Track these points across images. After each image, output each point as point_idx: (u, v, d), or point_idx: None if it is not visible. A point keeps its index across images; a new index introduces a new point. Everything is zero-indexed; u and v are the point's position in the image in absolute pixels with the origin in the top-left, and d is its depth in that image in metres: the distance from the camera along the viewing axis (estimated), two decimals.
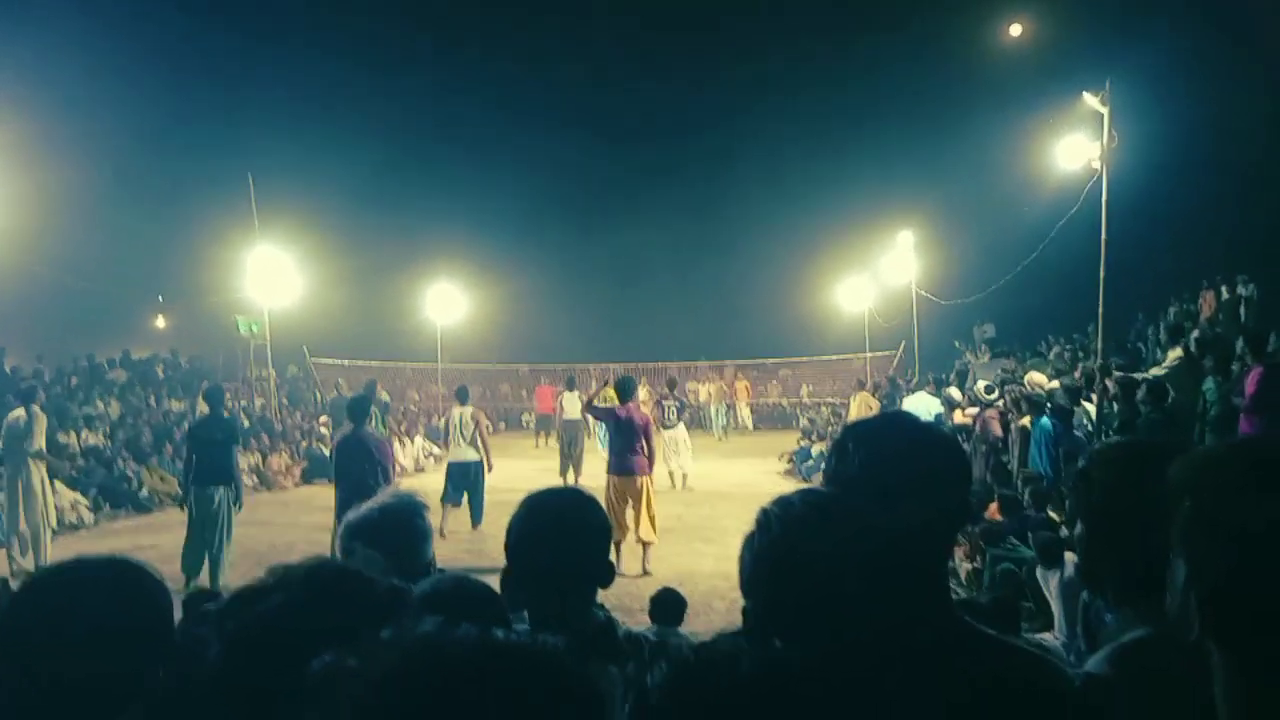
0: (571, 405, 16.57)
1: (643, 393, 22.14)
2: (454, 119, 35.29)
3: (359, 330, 28.19)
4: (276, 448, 17.80)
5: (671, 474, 14.93)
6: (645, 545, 9.19)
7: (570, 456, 15.97)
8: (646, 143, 36.17)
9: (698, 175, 35.32)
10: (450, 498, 11.31)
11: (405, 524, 2.31)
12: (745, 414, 29.05)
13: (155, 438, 16.20)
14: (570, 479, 14.87)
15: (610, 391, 13.16)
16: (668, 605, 5.28)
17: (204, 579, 8.62)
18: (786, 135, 32.70)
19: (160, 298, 25.81)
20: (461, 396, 12.15)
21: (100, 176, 24.69)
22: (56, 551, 9.46)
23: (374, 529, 2.26)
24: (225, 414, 9.89)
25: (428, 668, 0.61)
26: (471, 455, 11.54)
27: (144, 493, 14.14)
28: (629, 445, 9.24)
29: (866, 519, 1.25)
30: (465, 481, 11.49)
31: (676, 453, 15.11)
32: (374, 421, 13.59)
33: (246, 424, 18.68)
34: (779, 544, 1.25)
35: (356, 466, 7.96)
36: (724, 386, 28.66)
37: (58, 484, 12.64)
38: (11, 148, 15.72)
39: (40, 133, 19.60)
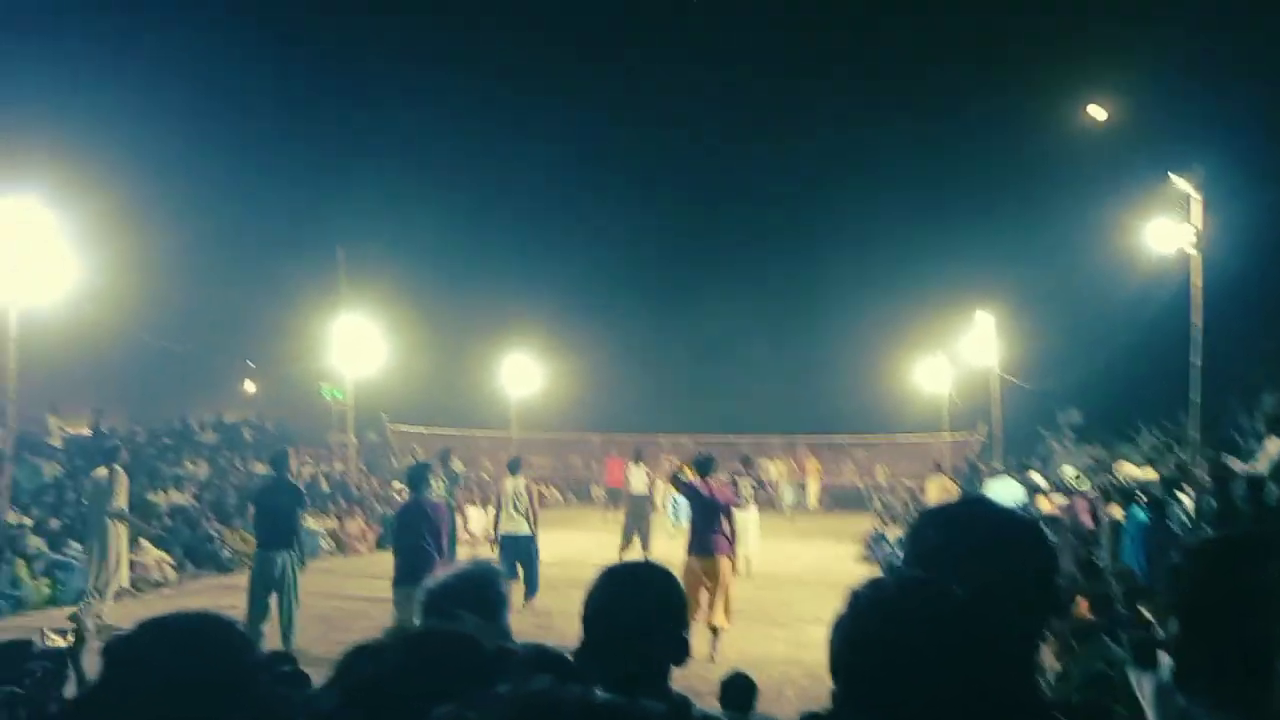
0: (638, 478, 16.37)
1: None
2: (535, 192, 36.35)
3: (436, 398, 28.72)
4: (353, 513, 18.09)
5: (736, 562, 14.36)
6: (715, 631, 8.81)
7: (636, 531, 15.76)
8: (728, 217, 36.73)
9: (778, 250, 35.56)
10: (505, 572, 11.17)
11: (485, 590, 2.34)
12: (814, 493, 28.17)
13: (239, 500, 16.63)
14: (631, 555, 14.67)
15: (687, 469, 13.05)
16: (739, 690, 5.14)
17: (274, 640, 8.71)
18: (868, 212, 32.81)
19: (251, 363, 26.74)
20: (513, 468, 12.01)
21: (198, 247, 25.96)
22: (141, 609, 9.64)
23: (455, 595, 2.29)
24: (290, 477, 9.93)
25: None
26: (524, 528, 11.44)
27: (226, 553, 14.46)
28: (710, 524, 8.88)
29: (959, 604, 1.22)
30: (518, 554, 11.33)
31: (745, 535, 14.09)
32: (442, 490, 13.73)
33: (326, 489, 19.10)
34: (870, 626, 1.23)
35: (414, 534, 8.00)
36: (794, 464, 27.99)
37: (143, 542, 13.05)
38: (115, 216, 16.66)
39: (142, 203, 20.82)
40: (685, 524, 9.51)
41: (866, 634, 1.24)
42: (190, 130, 26.93)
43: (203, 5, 31.99)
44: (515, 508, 11.46)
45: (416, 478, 8.77)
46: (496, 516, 11.84)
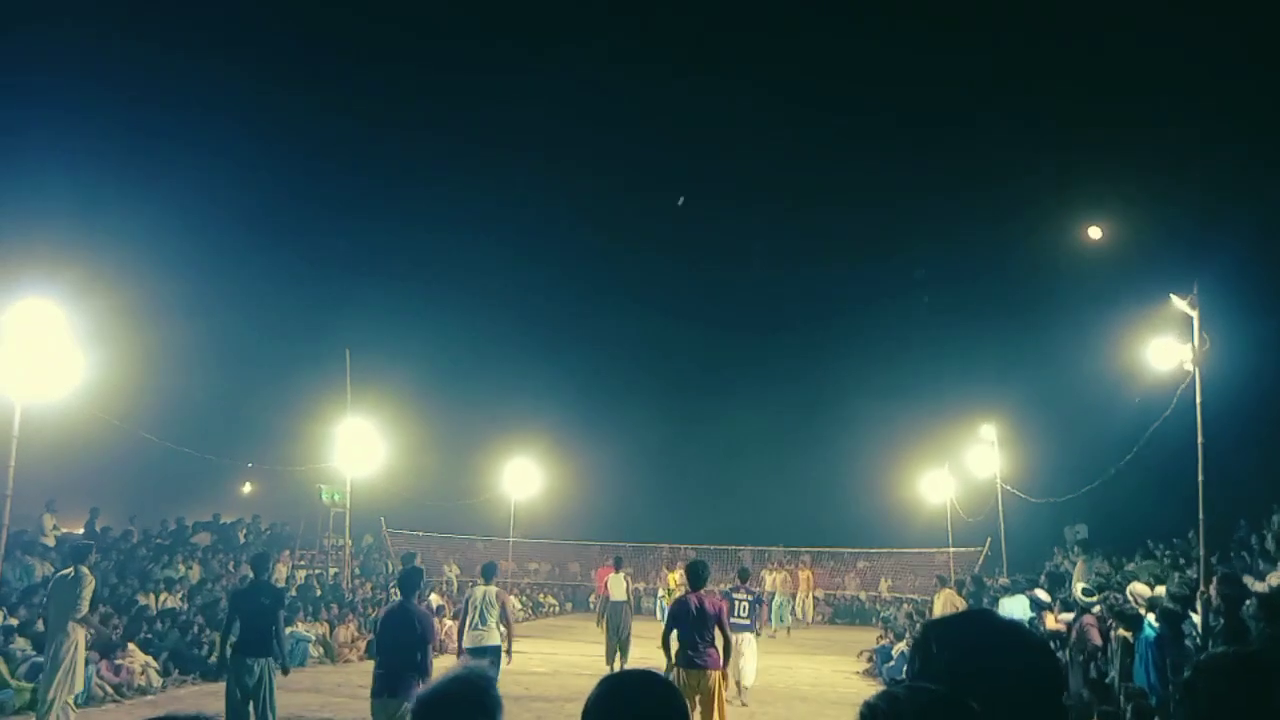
0: (617, 585, 16.14)
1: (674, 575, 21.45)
2: (541, 300, 36.87)
3: (436, 503, 28.49)
4: (344, 618, 17.72)
5: (728, 678, 12.02)
6: None
7: (617, 639, 15.47)
8: (734, 331, 37.12)
9: (783, 364, 35.91)
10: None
11: (479, 697, 2.28)
12: (809, 607, 27.04)
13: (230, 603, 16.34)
14: (616, 666, 14.29)
15: (675, 576, 12.70)
16: None
17: None
18: (875, 328, 33.25)
19: (250, 464, 26.65)
20: (487, 573, 11.09)
21: (203, 347, 26.23)
22: (124, 717, 9.38)
23: (449, 702, 2.23)
24: (271, 580, 9.59)
25: None
26: (492, 639, 10.53)
27: (213, 659, 14.09)
28: (699, 636, 8.54)
29: (974, 717, 1.20)
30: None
31: (740, 655, 12.65)
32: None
33: (319, 593, 18.75)
34: None
35: (399, 638, 7.68)
36: (788, 576, 26.89)
37: (131, 646, 12.76)
38: (122, 314, 16.86)
39: (148, 302, 21.11)
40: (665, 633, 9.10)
41: None
42: (198, 231, 27.51)
43: (212, 109, 33.07)
44: (483, 617, 10.58)
45: (408, 582, 8.32)
46: (462, 625, 10.89)
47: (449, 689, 2.27)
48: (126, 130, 29.28)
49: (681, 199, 28.38)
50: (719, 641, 8.67)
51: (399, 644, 7.64)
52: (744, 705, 12.42)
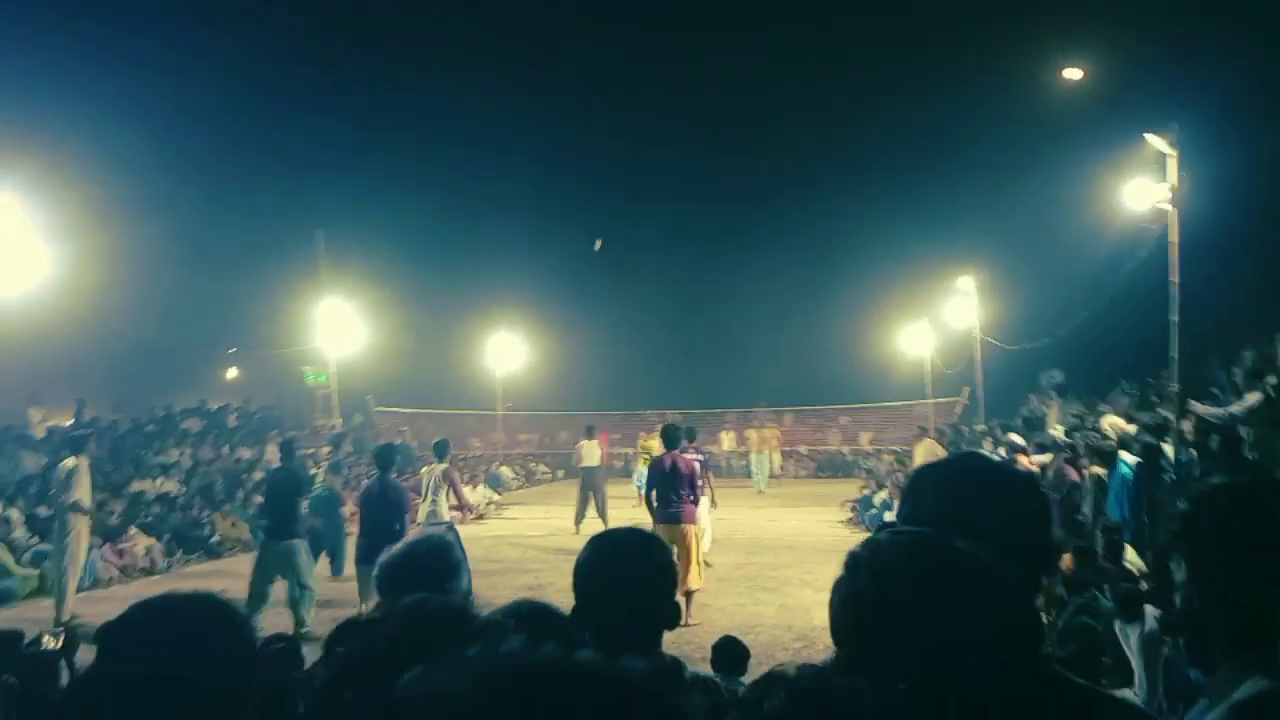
0: (589, 452, 16.56)
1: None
2: (518, 169, 36.08)
3: (422, 379, 28.65)
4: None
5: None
6: (689, 594, 8.86)
7: (592, 502, 15.92)
8: (710, 192, 36.53)
9: (760, 222, 35.49)
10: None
11: (436, 560, 2.36)
12: (776, 461, 26.11)
13: (227, 485, 16.59)
14: (597, 528, 14.67)
15: (653, 443, 12.81)
16: (731, 654, 5.19)
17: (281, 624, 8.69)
18: (844, 181, 32.76)
19: (231, 350, 26.58)
20: (439, 451, 10.56)
21: (176, 235, 25.64)
22: (131, 596, 9.62)
23: (409, 563, 2.30)
24: (297, 465, 10.06)
25: (511, 684, 0.62)
26: (442, 515, 10.14)
27: (215, 538, 14.45)
28: (673, 493, 9.03)
29: (960, 557, 1.21)
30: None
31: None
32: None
33: (314, 472, 19.04)
34: (870, 585, 1.21)
35: (379, 510, 8.17)
36: (757, 435, 25.87)
37: (134, 530, 13.02)
38: (91, 206, 16.45)
39: (118, 192, 20.53)
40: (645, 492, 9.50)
41: (869, 591, 1.22)
42: (164, 117, 26.58)
43: None
44: (434, 495, 10.32)
45: (384, 458, 8.88)
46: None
47: (409, 551, 2.35)
48: (85, 15, 27.87)
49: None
50: (690, 498, 9.13)
51: (378, 516, 8.16)
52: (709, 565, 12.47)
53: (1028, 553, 1.42)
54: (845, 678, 1.02)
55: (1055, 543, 1.59)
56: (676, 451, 9.37)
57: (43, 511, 12.49)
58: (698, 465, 9.92)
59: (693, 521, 9.16)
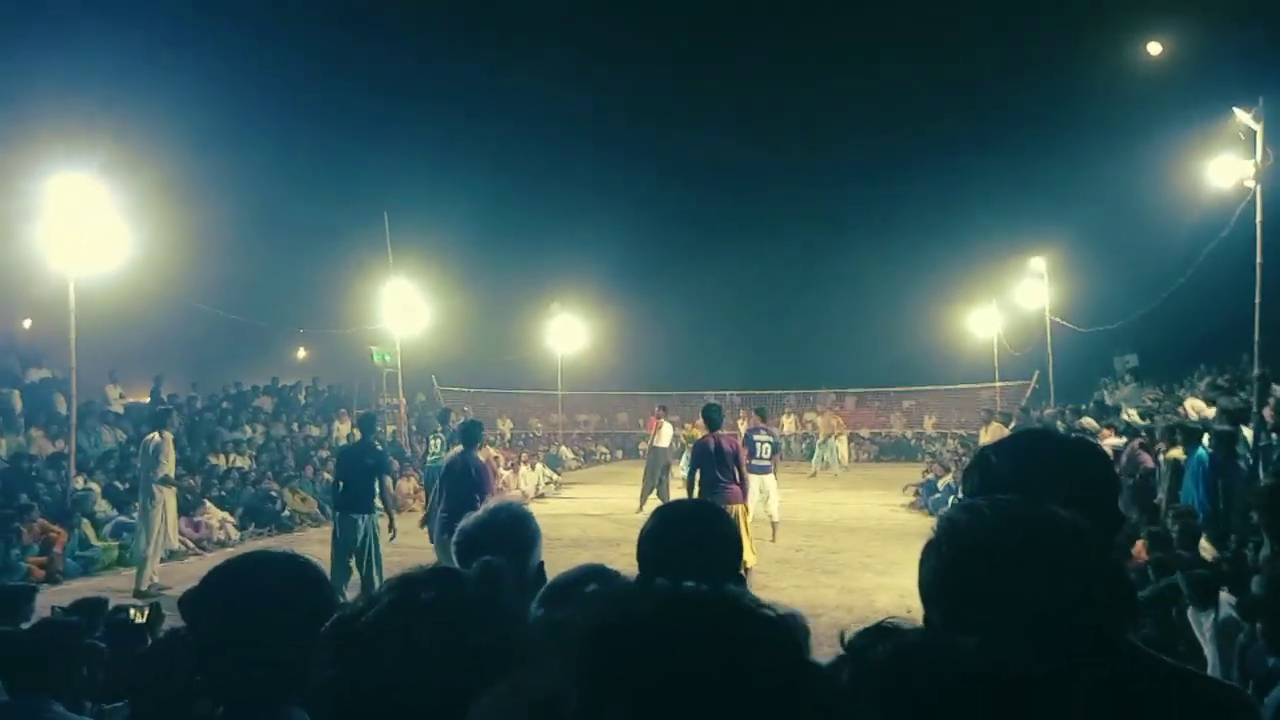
0: (661, 434, 16.58)
1: (741, 425, 21.58)
2: (582, 149, 36.12)
3: (485, 359, 28.99)
4: (405, 473, 18.40)
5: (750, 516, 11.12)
6: (746, 570, 9.01)
7: (654, 482, 15.92)
8: (781, 170, 36.09)
9: (823, 202, 34.96)
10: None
11: (518, 528, 2.37)
12: (842, 450, 24.93)
13: (296, 461, 17.03)
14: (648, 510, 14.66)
15: (696, 431, 12.83)
16: None
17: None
18: (920, 158, 32.13)
19: (301, 330, 27.18)
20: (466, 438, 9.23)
21: (249, 216, 26.35)
22: (208, 565, 9.94)
23: (490, 533, 2.32)
24: (376, 443, 10.05)
25: (643, 612, 0.63)
26: None
27: (286, 513, 14.84)
28: (719, 474, 9.03)
29: (1061, 520, 1.19)
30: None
31: (766, 497, 12.42)
32: (437, 447, 13.61)
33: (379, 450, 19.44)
34: (968, 549, 1.20)
35: (460, 485, 8.17)
36: (825, 421, 25.61)
37: (208, 504, 13.44)
38: (167, 187, 16.94)
39: (191, 173, 21.13)
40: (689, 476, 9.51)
41: (964, 557, 1.21)
42: (237, 99, 27.19)
43: None
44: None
45: (469, 435, 8.78)
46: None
47: (488, 519, 2.37)
48: (159, 2, 28.58)
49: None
50: (738, 478, 9.18)
51: (459, 490, 8.13)
52: (774, 541, 12.37)
53: (1096, 519, 1.40)
54: (948, 637, 1.02)
55: (1123, 514, 1.57)
56: (719, 432, 9.41)
57: (120, 485, 12.97)
58: (740, 443, 9.93)
59: (740, 501, 9.16)
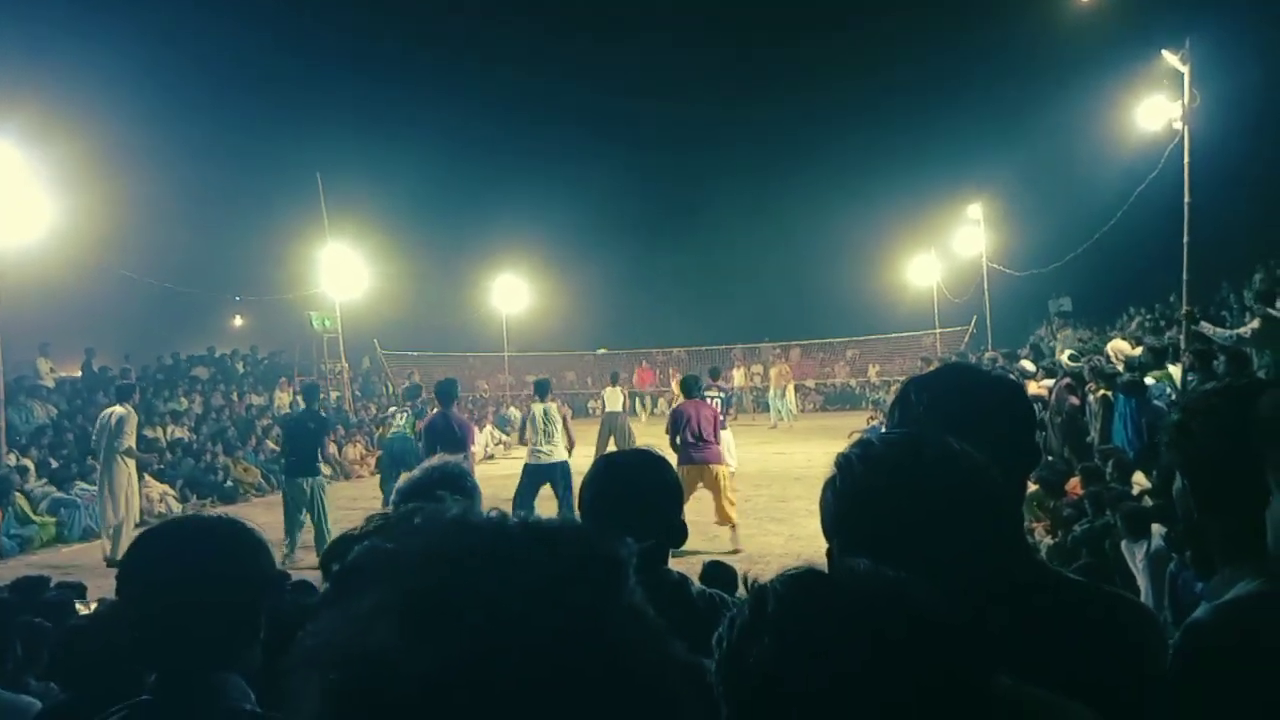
0: (612, 398, 16.63)
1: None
2: (519, 108, 35.61)
3: (427, 323, 28.68)
4: (352, 438, 18.20)
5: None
6: (733, 527, 9.28)
7: (611, 443, 15.92)
8: (714, 124, 35.91)
9: (761, 154, 35.00)
10: (525, 504, 9.67)
11: (453, 483, 2.35)
12: (791, 399, 24.70)
13: (239, 430, 16.73)
14: None
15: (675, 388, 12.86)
16: (718, 579, 5.26)
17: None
18: (855, 110, 32.21)
19: (237, 297, 26.60)
20: (541, 391, 10.61)
21: (179, 183, 25.56)
22: None
23: (425, 486, 2.30)
24: (321, 410, 10.42)
25: (455, 541, 0.62)
26: (559, 455, 10.16)
27: (228, 483, 14.61)
28: (698, 438, 9.33)
29: (948, 452, 1.20)
30: (547, 482, 10.21)
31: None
32: (403, 422, 13.64)
33: (324, 415, 19.18)
34: (862, 483, 1.20)
35: (443, 445, 8.14)
36: (784, 369, 25.55)
37: (147, 477, 13.17)
38: (93, 155, 16.33)
39: (121, 140, 20.38)
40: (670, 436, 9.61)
41: (858, 490, 1.21)
42: (165, 64, 26.28)
43: None
44: (549, 435, 10.20)
45: (447, 393, 9.18)
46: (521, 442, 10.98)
47: (427, 472, 2.35)
48: None
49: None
50: (715, 439, 9.50)
51: (445, 447, 8.14)
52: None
53: (1011, 455, 1.42)
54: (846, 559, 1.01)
55: (1039, 449, 1.58)
56: (698, 400, 9.73)
57: (53, 463, 12.67)
58: (717, 411, 10.15)
59: (719, 461, 9.49)
